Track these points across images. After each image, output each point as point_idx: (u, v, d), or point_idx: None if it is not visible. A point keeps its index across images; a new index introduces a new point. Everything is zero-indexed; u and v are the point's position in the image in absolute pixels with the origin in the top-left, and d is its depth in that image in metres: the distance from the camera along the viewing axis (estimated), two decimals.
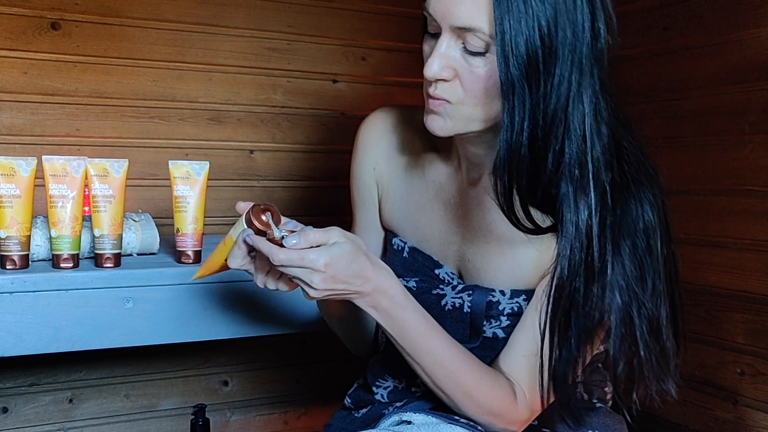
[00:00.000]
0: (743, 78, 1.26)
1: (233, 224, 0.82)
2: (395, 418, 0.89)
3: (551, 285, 0.81)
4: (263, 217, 0.78)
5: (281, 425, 1.66)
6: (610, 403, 0.99)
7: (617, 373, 0.81)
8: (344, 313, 0.97)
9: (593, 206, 0.78)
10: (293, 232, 0.77)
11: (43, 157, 1.00)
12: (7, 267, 0.97)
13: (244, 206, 0.80)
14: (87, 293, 0.99)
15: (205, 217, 1.10)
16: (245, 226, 0.78)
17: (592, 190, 0.77)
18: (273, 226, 0.77)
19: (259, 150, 1.59)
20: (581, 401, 0.95)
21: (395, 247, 0.98)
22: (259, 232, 0.77)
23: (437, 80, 0.80)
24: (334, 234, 0.76)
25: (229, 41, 1.54)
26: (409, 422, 0.87)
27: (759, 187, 1.23)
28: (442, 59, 0.79)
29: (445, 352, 0.83)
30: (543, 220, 0.81)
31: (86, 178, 1.01)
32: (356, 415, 0.98)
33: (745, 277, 1.25)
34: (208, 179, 1.09)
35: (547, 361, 0.82)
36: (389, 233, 1.00)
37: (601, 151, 0.78)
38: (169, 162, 1.07)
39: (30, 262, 1.01)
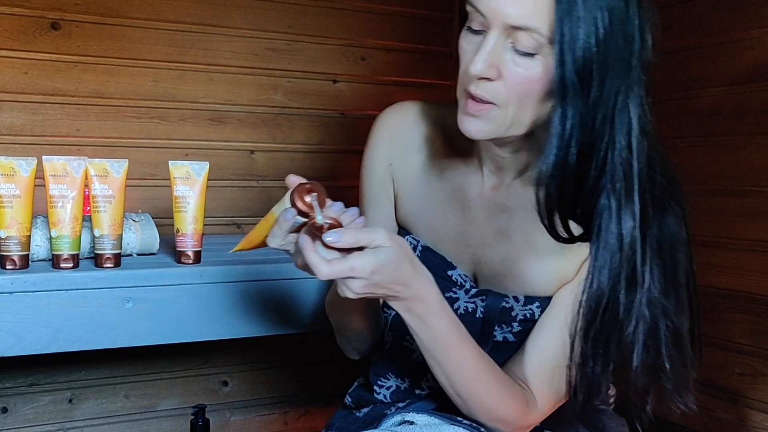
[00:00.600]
0: (744, 79, 1.26)
1: (272, 210, 0.78)
2: (398, 418, 0.89)
3: (585, 295, 0.79)
4: (307, 198, 0.74)
5: (281, 425, 1.66)
6: (613, 405, 0.99)
7: (638, 385, 0.80)
8: (364, 310, 0.94)
9: (637, 217, 0.77)
10: (334, 224, 0.73)
11: (44, 157, 1.00)
12: (7, 267, 0.97)
13: (294, 180, 0.76)
14: (87, 293, 0.99)
15: (204, 217, 1.09)
16: (288, 205, 0.74)
17: (637, 201, 0.77)
18: (317, 209, 0.73)
19: (259, 150, 1.59)
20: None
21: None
22: (301, 213, 0.74)
23: (480, 79, 0.77)
24: (379, 236, 0.73)
25: (229, 42, 1.54)
26: (412, 422, 0.87)
27: (760, 187, 1.23)
28: (489, 57, 0.76)
29: (470, 362, 0.82)
30: (576, 229, 0.80)
31: (86, 178, 1.01)
32: (358, 414, 0.97)
33: (746, 277, 1.25)
34: (208, 179, 1.09)
35: (580, 371, 0.80)
36: (401, 231, 0.98)
37: (644, 163, 0.77)
38: (169, 162, 1.07)
39: (30, 262, 1.01)
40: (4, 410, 1.42)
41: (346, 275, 0.72)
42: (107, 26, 1.43)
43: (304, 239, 0.72)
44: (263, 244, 0.80)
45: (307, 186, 0.75)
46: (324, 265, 0.71)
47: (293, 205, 0.74)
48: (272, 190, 1.61)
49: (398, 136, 0.96)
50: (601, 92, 0.74)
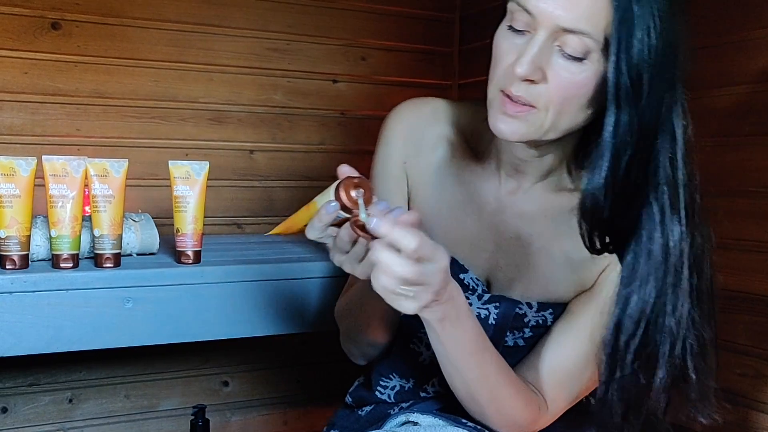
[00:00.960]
0: (746, 79, 1.25)
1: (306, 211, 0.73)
2: (401, 418, 0.89)
3: (624, 308, 0.78)
4: (353, 193, 0.70)
5: (281, 425, 1.66)
6: None
7: (659, 396, 0.79)
8: (387, 317, 0.90)
9: (684, 228, 0.76)
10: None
11: (43, 156, 1.00)
12: (7, 267, 0.97)
13: (345, 171, 0.72)
14: (87, 293, 0.99)
15: (204, 217, 1.09)
16: (332, 197, 0.71)
17: (683, 211, 0.76)
18: (361, 206, 0.69)
19: (259, 150, 1.59)
20: (585, 405, 0.94)
21: None
22: (344, 208, 0.70)
23: (523, 80, 0.75)
24: (441, 253, 0.69)
25: (229, 41, 1.54)
26: (416, 423, 0.86)
27: (761, 188, 1.23)
28: (536, 59, 0.74)
29: (493, 367, 0.81)
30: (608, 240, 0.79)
31: (86, 178, 1.01)
32: (360, 413, 0.97)
33: (747, 278, 1.25)
34: (208, 179, 1.09)
35: (618, 386, 0.79)
36: None
37: (688, 173, 0.76)
38: (169, 162, 1.07)
39: (30, 262, 1.01)
40: (4, 410, 1.42)
41: (419, 282, 0.68)
42: (108, 26, 1.43)
43: (374, 244, 0.67)
44: (302, 231, 0.76)
45: (355, 180, 0.71)
46: (407, 266, 0.66)
47: (337, 198, 0.70)
48: (272, 190, 1.60)
49: (414, 133, 0.94)
50: (649, 102, 0.73)
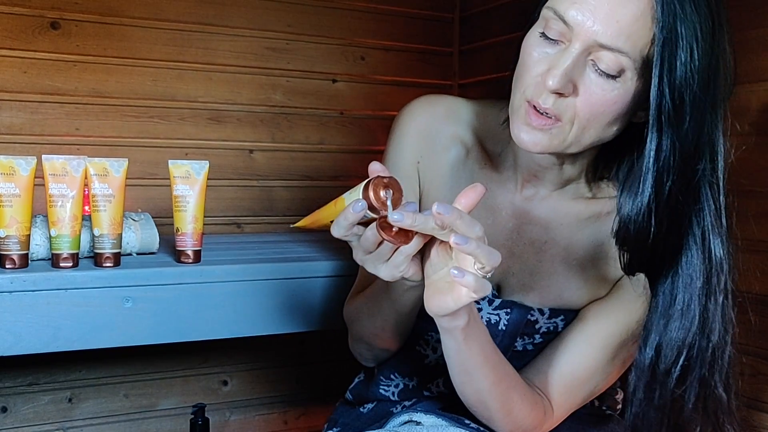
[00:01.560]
0: (744, 79, 1.25)
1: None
2: (404, 417, 0.88)
3: (665, 332, 0.77)
4: (382, 193, 0.68)
5: (281, 425, 1.66)
6: (620, 411, 0.99)
7: (695, 419, 0.78)
8: (408, 320, 0.88)
9: (726, 253, 0.76)
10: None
11: (43, 156, 1.00)
12: (7, 266, 0.97)
13: (376, 168, 0.70)
14: (86, 293, 0.99)
15: (204, 216, 1.09)
16: (360, 196, 0.69)
17: (725, 235, 0.75)
18: (390, 206, 0.67)
19: (258, 150, 1.59)
20: (591, 408, 0.94)
21: None
22: (372, 208, 0.68)
23: (553, 93, 0.73)
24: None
25: (228, 41, 1.54)
26: (418, 423, 0.86)
27: (759, 188, 1.23)
28: (569, 73, 0.71)
29: (503, 372, 0.80)
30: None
31: (86, 178, 1.01)
32: (362, 410, 0.96)
33: (745, 277, 1.25)
34: (208, 179, 1.09)
35: (659, 407, 0.79)
36: None
37: (727, 196, 0.76)
38: (169, 161, 1.07)
39: (29, 262, 1.01)
40: (4, 410, 1.41)
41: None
42: (106, 25, 1.43)
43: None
44: (327, 227, 0.74)
45: (385, 180, 0.68)
46: (478, 228, 0.65)
47: (365, 197, 0.68)
48: (272, 190, 1.60)
49: (427, 132, 0.91)
50: (691, 126, 0.71)
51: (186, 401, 1.55)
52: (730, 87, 0.75)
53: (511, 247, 0.88)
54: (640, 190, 0.73)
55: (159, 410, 1.54)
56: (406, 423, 0.87)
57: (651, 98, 0.70)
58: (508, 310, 0.88)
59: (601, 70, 0.72)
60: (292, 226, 0.81)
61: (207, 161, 1.09)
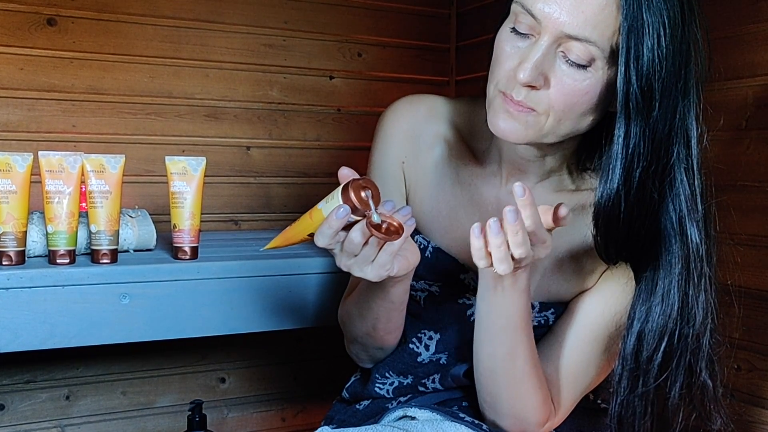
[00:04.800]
0: (741, 74, 1.26)
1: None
2: (399, 412, 0.88)
3: (647, 320, 0.77)
4: (363, 194, 0.69)
5: (278, 422, 1.66)
6: None
7: (679, 407, 0.79)
8: (400, 315, 0.90)
9: (703, 238, 0.75)
10: (391, 223, 0.70)
11: (40, 152, 0.99)
12: (3, 263, 0.97)
13: (347, 174, 0.71)
14: (83, 289, 0.99)
15: (201, 213, 1.09)
16: (340, 202, 0.69)
17: (701, 223, 0.75)
18: (372, 206, 0.69)
19: (255, 146, 1.59)
20: (586, 402, 0.94)
21: (418, 245, 0.92)
22: (355, 211, 0.69)
23: (525, 86, 0.74)
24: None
25: (225, 38, 1.54)
26: (413, 417, 0.86)
27: (754, 182, 1.24)
28: (539, 65, 0.73)
29: (522, 352, 0.80)
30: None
31: (83, 174, 1.01)
32: (358, 407, 0.97)
33: (741, 272, 1.25)
34: (205, 175, 1.08)
35: (644, 398, 0.79)
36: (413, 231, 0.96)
37: (703, 181, 0.76)
38: (166, 158, 1.07)
39: (26, 258, 1.01)
40: (2, 407, 1.41)
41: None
42: (103, 22, 1.43)
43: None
44: (302, 242, 0.75)
45: (361, 182, 0.70)
46: (523, 245, 0.70)
47: (347, 201, 0.69)
48: (269, 187, 1.60)
49: (411, 131, 0.92)
50: (661, 112, 0.72)
51: (183, 398, 1.55)
52: (704, 72, 0.76)
53: None
54: (610, 178, 0.74)
55: (156, 407, 1.54)
56: (401, 418, 0.87)
57: (618, 86, 0.71)
58: None
59: (571, 61, 0.73)
60: (262, 249, 0.82)
61: (204, 158, 1.08)
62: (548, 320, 0.88)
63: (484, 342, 0.81)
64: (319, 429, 0.87)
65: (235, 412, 1.62)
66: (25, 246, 1.00)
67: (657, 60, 0.70)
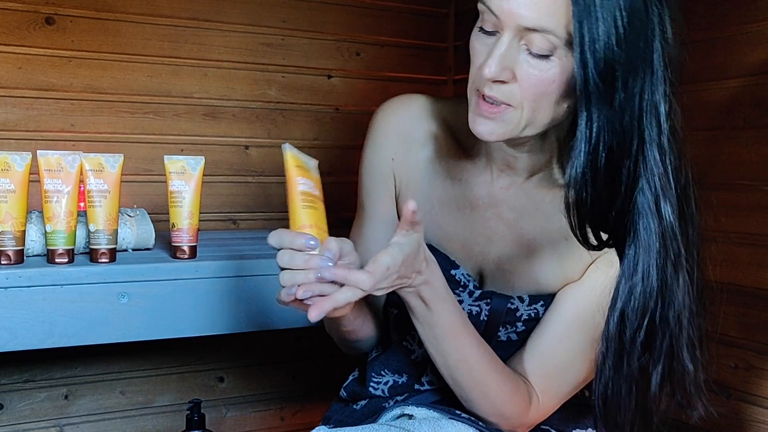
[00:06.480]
0: (736, 73, 1.26)
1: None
2: (396, 411, 0.89)
3: (628, 302, 0.77)
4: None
5: (277, 421, 1.66)
6: None
7: (661, 391, 0.79)
8: (363, 321, 0.94)
9: (677, 217, 0.76)
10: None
11: (38, 151, 0.99)
12: (2, 262, 0.97)
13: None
14: (82, 288, 0.99)
15: (200, 212, 1.09)
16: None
17: (674, 201, 0.76)
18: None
19: (254, 145, 1.59)
20: (581, 398, 0.95)
21: None
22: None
23: (494, 81, 0.76)
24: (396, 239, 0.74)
25: (223, 37, 1.54)
26: (411, 416, 0.87)
27: (751, 181, 1.24)
28: (502, 60, 0.75)
29: (473, 350, 0.82)
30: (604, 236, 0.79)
31: (81, 173, 1.01)
32: (355, 407, 0.97)
33: (737, 270, 1.26)
34: (204, 175, 1.09)
35: (628, 380, 0.79)
36: None
37: (678, 160, 0.76)
38: (165, 157, 1.07)
39: (25, 258, 1.01)
40: (0, 407, 1.41)
41: (385, 276, 0.71)
42: (101, 21, 1.43)
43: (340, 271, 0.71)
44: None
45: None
46: (367, 276, 0.70)
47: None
48: (268, 186, 1.60)
49: (402, 130, 0.94)
50: (626, 93, 0.72)
51: (182, 398, 1.55)
52: (673, 48, 0.75)
53: (489, 236, 0.90)
54: (575, 163, 0.75)
55: (155, 407, 1.54)
56: (399, 417, 0.88)
57: (575, 71, 0.72)
58: (488, 300, 0.89)
59: (533, 53, 0.74)
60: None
61: (203, 157, 1.09)
62: (538, 313, 0.88)
63: (434, 355, 0.83)
64: (315, 429, 0.87)
65: (234, 411, 1.62)
66: (23, 245, 1.00)
67: (614, 42, 0.71)
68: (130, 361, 1.51)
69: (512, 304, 0.88)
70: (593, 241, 0.79)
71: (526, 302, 0.88)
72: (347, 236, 1.05)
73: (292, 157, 0.80)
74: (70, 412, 1.47)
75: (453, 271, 0.91)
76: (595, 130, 0.73)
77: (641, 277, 0.77)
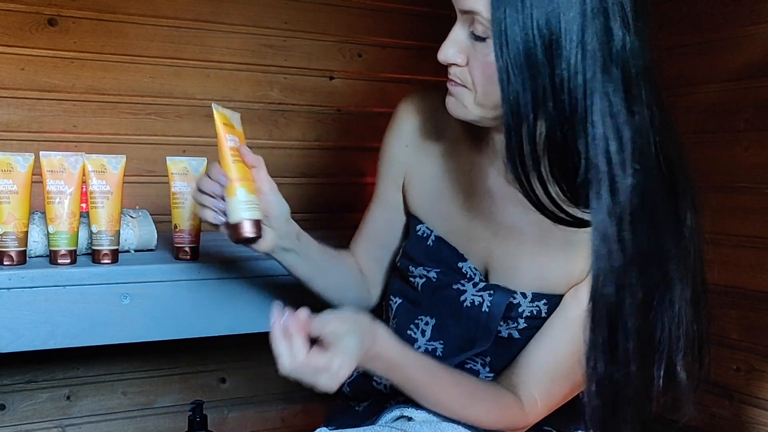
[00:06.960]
0: (738, 75, 1.26)
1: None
2: (396, 412, 0.89)
3: (593, 295, 0.76)
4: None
5: (279, 422, 1.66)
6: None
7: (656, 395, 0.78)
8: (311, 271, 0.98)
9: (617, 204, 0.72)
10: None
11: (41, 152, 1.00)
12: (5, 263, 0.97)
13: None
14: (84, 289, 0.99)
15: None
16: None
17: (630, 174, 0.72)
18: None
19: (255, 147, 1.57)
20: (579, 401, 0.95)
21: (420, 234, 0.96)
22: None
23: (451, 65, 0.81)
24: (332, 325, 0.79)
25: (225, 38, 1.54)
26: (410, 418, 0.87)
27: (753, 184, 1.24)
28: (455, 44, 0.79)
29: (448, 391, 0.85)
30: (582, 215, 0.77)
31: (84, 174, 1.01)
32: (357, 408, 0.98)
33: (739, 273, 1.26)
34: None
35: (623, 384, 0.77)
36: (414, 219, 0.98)
37: (619, 150, 0.72)
38: (167, 158, 1.08)
39: (27, 258, 1.01)
40: (2, 407, 1.42)
41: (316, 372, 0.75)
42: (104, 22, 1.43)
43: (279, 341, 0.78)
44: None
45: None
46: (288, 359, 0.75)
47: None
48: None
49: (421, 121, 0.97)
50: (560, 76, 0.71)
51: (184, 398, 1.55)
52: (621, 53, 0.72)
53: (494, 229, 0.91)
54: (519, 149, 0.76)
55: (157, 408, 1.54)
56: (398, 419, 0.88)
57: (494, 54, 0.73)
58: (491, 291, 0.89)
59: (476, 36, 0.77)
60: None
61: (205, 158, 1.09)
62: (541, 311, 0.88)
63: (417, 400, 0.86)
64: (317, 431, 0.87)
65: (236, 412, 1.62)
66: (26, 246, 1.00)
67: (536, 30, 0.70)
68: (132, 362, 1.51)
69: (514, 298, 0.88)
70: (558, 213, 0.77)
71: (529, 299, 0.88)
72: (350, 239, 1.06)
73: (221, 115, 0.87)
74: (72, 413, 1.47)
75: (460, 264, 0.92)
76: (514, 109, 0.72)
77: (595, 264, 0.74)
